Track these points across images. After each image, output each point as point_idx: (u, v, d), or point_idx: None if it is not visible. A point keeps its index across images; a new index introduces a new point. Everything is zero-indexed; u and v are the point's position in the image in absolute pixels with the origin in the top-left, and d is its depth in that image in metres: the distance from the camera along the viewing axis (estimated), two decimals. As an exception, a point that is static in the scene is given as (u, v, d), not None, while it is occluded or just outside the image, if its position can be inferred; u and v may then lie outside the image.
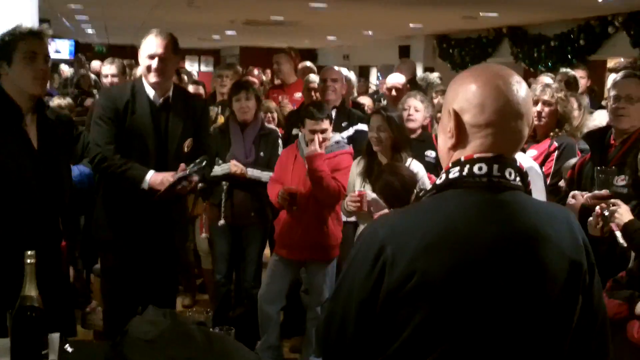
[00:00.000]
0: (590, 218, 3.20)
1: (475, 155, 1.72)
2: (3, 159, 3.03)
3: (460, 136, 1.75)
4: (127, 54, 16.30)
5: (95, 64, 13.26)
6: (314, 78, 6.31)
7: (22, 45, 3.10)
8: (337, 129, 5.13)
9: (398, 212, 1.89)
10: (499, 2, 10.16)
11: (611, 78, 5.81)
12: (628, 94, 3.49)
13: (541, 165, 4.32)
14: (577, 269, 1.74)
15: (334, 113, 5.23)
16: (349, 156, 4.65)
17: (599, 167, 3.43)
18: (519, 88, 1.73)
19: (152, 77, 3.96)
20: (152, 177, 3.85)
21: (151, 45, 3.95)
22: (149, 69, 3.95)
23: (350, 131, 5.38)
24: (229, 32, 17.50)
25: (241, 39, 19.99)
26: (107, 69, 6.76)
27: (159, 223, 4.01)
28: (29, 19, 5.34)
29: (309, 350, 4.71)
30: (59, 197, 3.24)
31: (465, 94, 1.74)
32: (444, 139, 1.81)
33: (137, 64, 5.89)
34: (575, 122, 4.94)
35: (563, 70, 6.70)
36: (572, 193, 3.49)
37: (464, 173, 1.72)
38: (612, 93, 3.57)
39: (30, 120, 3.16)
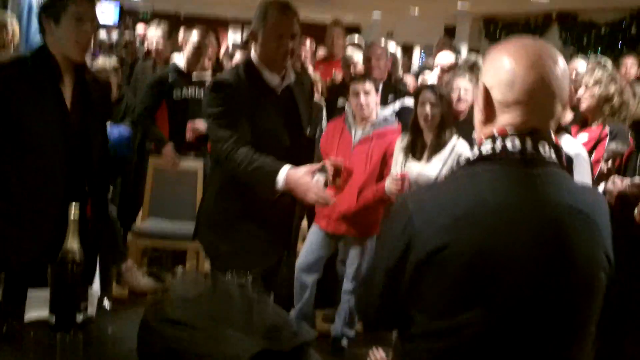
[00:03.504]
0: (637, 211, 3.11)
1: (509, 130, 1.70)
2: (35, 116, 2.99)
3: (489, 112, 1.75)
4: (171, 21, 16.35)
5: (140, 28, 13.25)
6: (353, 53, 6.22)
7: (72, 7, 3.03)
8: (384, 102, 5.08)
9: (428, 186, 1.94)
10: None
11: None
12: None
13: (592, 149, 4.23)
14: (605, 250, 1.75)
15: (380, 87, 5.19)
16: (399, 135, 4.59)
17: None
18: (553, 65, 1.70)
19: (283, 61, 3.33)
20: (288, 174, 3.12)
21: (282, 23, 3.29)
22: (278, 51, 3.30)
23: (397, 105, 5.31)
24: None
25: (285, 11, 19.84)
26: (153, 32, 6.76)
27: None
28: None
29: (342, 321, 4.70)
30: (86, 159, 3.18)
31: (496, 69, 1.73)
32: (476, 112, 1.82)
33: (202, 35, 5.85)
34: (628, 111, 4.82)
35: (594, 57, 6.51)
36: (612, 178, 3.42)
37: (497, 148, 1.70)
38: None
39: (67, 80, 3.11)
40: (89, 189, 3.22)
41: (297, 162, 3.23)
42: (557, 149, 1.73)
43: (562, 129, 3.62)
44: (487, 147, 1.72)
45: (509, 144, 1.69)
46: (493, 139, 1.72)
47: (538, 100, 1.70)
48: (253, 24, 3.38)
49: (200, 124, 5.48)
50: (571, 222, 1.69)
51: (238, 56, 6.24)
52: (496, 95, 1.73)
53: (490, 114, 1.75)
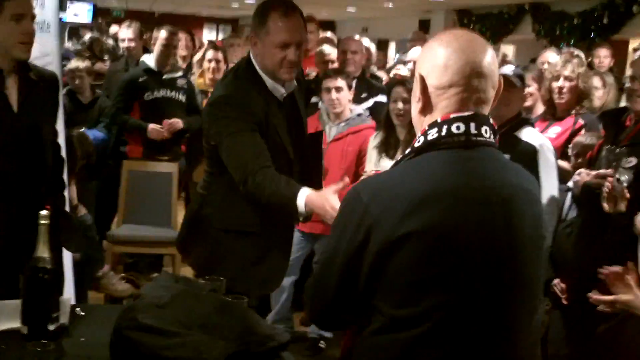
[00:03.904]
0: (604, 198, 3.13)
1: (452, 115, 1.76)
2: None
3: (426, 99, 1.80)
4: (145, 19, 16.24)
5: (114, 29, 13.15)
6: (329, 49, 6.21)
7: (9, 5, 2.93)
8: (357, 100, 5.08)
9: (380, 175, 1.91)
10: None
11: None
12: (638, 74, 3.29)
13: (567, 142, 4.25)
14: (544, 223, 1.90)
15: (354, 84, 5.18)
16: (373, 132, 4.58)
17: (607, 147, 3.37)
18: (482, 50, 1.78)
19: (288, 73, 3.00)
20: (309, 199, 2.75)
21: (287, 30, 2.91)
22: (282, 62, 2.95)
23: (370, 102, 5.32)
24: (248, 0, 17.39)
25: (260, 8, 19.78)
26: (124, 33, 6.74)
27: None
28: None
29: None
30: (40, 160, 3.12)
31: (430, 57, 1.80)
32: (414, 104, 1.86)
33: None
34: (599, 101, 4.86)
35: (567, 49, 6.57)
36: (579, 170, 3.44)
37: (443, 133, 1.76)
38: (629, 73, 3.42)
39: (12, 82, 3.03)
40: (45, 189, 3.16)
41: (306, 168, 3.14)
42: (495, 132, 1.82)
43: (524, 122, 3.62)
44: (432, 134, 1.77)
45: (454, 129, 1.75)
46: (438, 125, 1.76)
47: (471, 82, 1.76)
48: (252, 26, 3.03)
49: (175, 121, 5.49)
50: (518, 199, 1.79)
51: (210, 54, 6.21)
52: (432, 81, 1.79)
53: (427, 102, 1.80)
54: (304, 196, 2.74)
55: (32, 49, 3.05)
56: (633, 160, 3.19)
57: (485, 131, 1.78)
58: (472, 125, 1.76)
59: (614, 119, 3.56)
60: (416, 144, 1.81)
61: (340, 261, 1.78)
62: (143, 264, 5.86)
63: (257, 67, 3.03)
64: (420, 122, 1.84)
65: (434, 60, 1.78)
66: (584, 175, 3.35)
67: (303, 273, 4.85)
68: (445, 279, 1.70)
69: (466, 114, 1.76)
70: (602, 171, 3.23)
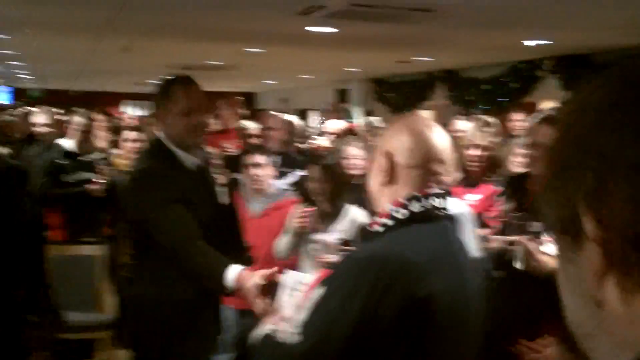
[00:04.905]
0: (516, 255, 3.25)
1: (430, 191, 1.97)
2: None
3: (392, 174, 2.00)
4: (63, 98, 16.10)
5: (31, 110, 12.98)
6: (249, 124, 6.32)
7: None
8: (280, 175, 5.16)
9: (378, 245, 1.96)
10: (430, 46, 10.35)
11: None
12: (536, 140, 3.36)
13: (486, 208, 4.35)
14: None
15: (276, 159, 5.26)
16: (295, 206, 4.62)
17: (512, 213, 3.48)
18: (443, 137, 2.04)
19: (197, 137, 3.21)
20: (238, 275, 2.80)
21: (190, 98, 3.14)
22: (190, 128, 3.14)
23: (294, 176, 5.41)
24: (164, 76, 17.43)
25: (178, 83, 19.78)
26: (38, 118, 6.71)
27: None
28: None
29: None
30: (16, 246, 3.18)
31: (398, 139, 2.01)
32: (376, 176, 2.05)
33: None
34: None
35: (480, 116, 6.79)
36: (488, 236, 3.53)
37: (428, 207, 1.96)
38: (524, 139, 3.51)
39: None
40: (20, 274, 3.21)
41: (224, 238, 3.15)
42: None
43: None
44: (416, 207, 1.95)
45: (436, 203, 1.96)
46: (420, 199, 1.95)
47: (432, 165, 1.98)
48: (157, 103, 3.21)
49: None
50: (473, 264, 2.13)
51: (128, 134, 6.26)
52: (398, 160, 1.99)
53: (392, 176, 1.99)
54: (236, 272, 2.80)
55: None
56: (538, 225, 3.32)
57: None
58: (447, 200, 1.99)
59: (518, 184, 3.68)
60: (399, 215, 1.95)
61: (347, 327, 1.82)
62: (72, 351, 5.72)
63: (166, 142, 3.17)
64: (381, 192, 2.03)
65: (402, 142, 2.00)
66: (493, 241, 3.47)
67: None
68: (441, 336, 1.88)
69: (441, 191, 1.98)
70: (510, 238, 3.35)
